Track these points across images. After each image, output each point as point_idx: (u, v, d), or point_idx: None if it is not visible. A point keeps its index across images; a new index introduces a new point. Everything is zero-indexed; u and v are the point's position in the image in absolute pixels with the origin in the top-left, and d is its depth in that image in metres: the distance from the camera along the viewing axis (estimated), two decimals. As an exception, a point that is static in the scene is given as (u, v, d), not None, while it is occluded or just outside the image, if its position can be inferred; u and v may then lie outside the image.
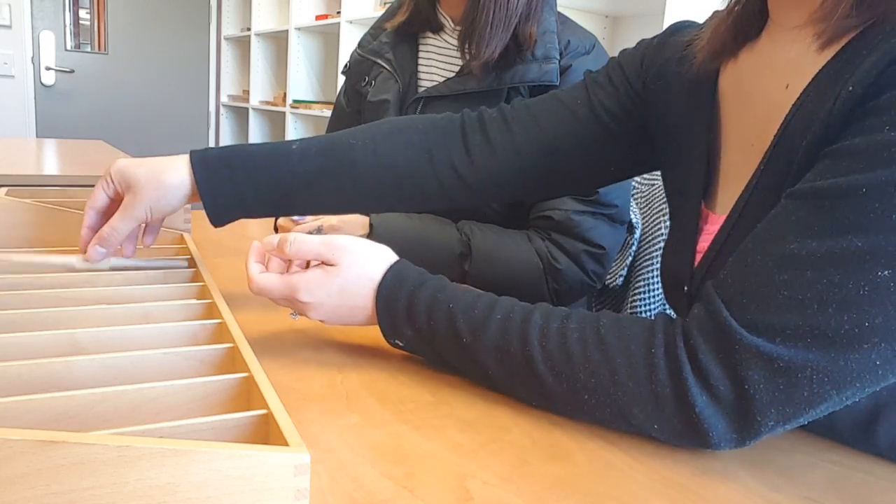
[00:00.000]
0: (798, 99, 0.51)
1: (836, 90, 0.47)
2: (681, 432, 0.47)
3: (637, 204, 1.17)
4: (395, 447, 0.47)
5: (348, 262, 0.58)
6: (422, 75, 1.05)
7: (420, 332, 0.57)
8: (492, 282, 0.92)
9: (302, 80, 3.49)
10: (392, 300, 0.57)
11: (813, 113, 0.49)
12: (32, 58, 3.71)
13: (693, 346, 0.46)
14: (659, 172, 1.15)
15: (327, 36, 3.42)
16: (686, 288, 0.61)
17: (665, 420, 0.47)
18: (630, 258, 1.13)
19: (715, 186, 0.61)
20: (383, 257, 0.60)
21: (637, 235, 1.12)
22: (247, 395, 0.45)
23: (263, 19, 3.85)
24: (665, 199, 1.10)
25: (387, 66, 1.06)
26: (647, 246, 1.12)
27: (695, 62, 0.62)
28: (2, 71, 3.61)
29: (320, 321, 0.61)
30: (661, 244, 1.09)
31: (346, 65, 1.15)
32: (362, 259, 0.59)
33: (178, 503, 0.33)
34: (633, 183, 1.19)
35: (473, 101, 0.97)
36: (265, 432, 0.40)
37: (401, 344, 0.60)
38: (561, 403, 0.52)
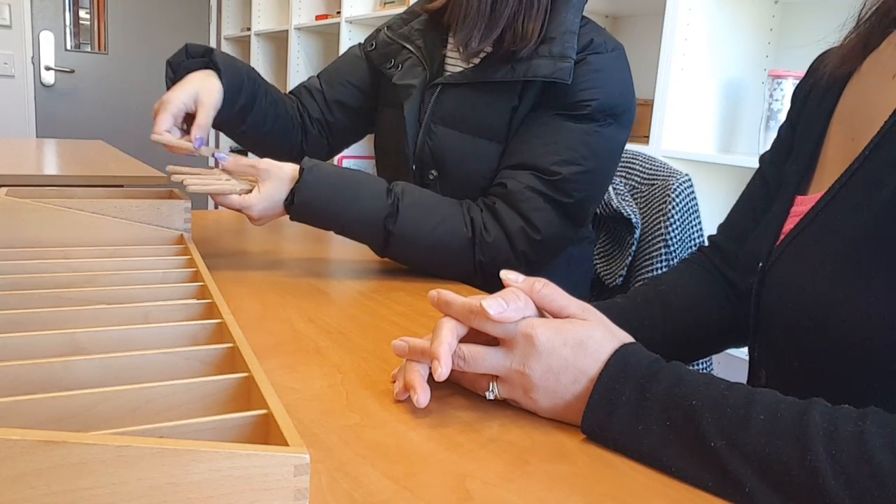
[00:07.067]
0: None
1: None
2: None
3: (637, 204, 1.17)
4: (395, 447, 0.47)
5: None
6: (448, 67, 1.06)
7: (643, 432, 0.47)
8: (415, 246, 0.92)
9: (302, 80, 3.48)
10: (615, 391, 0.49)
11: None
12: (32, 58, 3.71)
13: None
14: (656, 173, 1.15)
15: (327, 36, 3.42)
16: (761, 265, 0.62)
17: None
18: (630, 258, 1.13)
19: (810, 180, 0.64)
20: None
21: (637, 235, 1.12)
22: (247, 395, 0.45)
23: (263, 19, 3.84)
24: (664, 199, 1.10)
25: (416, 53, 1.07)
26: (646, 246, 1.12)
27: (826, 73, 0.65)
28: (2, 71, 3.61)
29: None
30: (661, 244, 1.09)
31: (371, 42, 1.15)
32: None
33: (178, 503, 0.33)
34: (633, 183, 1.19)
35: (488, 91, 0.99)
36: (265, 432, 0.40)
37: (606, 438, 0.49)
38: None
